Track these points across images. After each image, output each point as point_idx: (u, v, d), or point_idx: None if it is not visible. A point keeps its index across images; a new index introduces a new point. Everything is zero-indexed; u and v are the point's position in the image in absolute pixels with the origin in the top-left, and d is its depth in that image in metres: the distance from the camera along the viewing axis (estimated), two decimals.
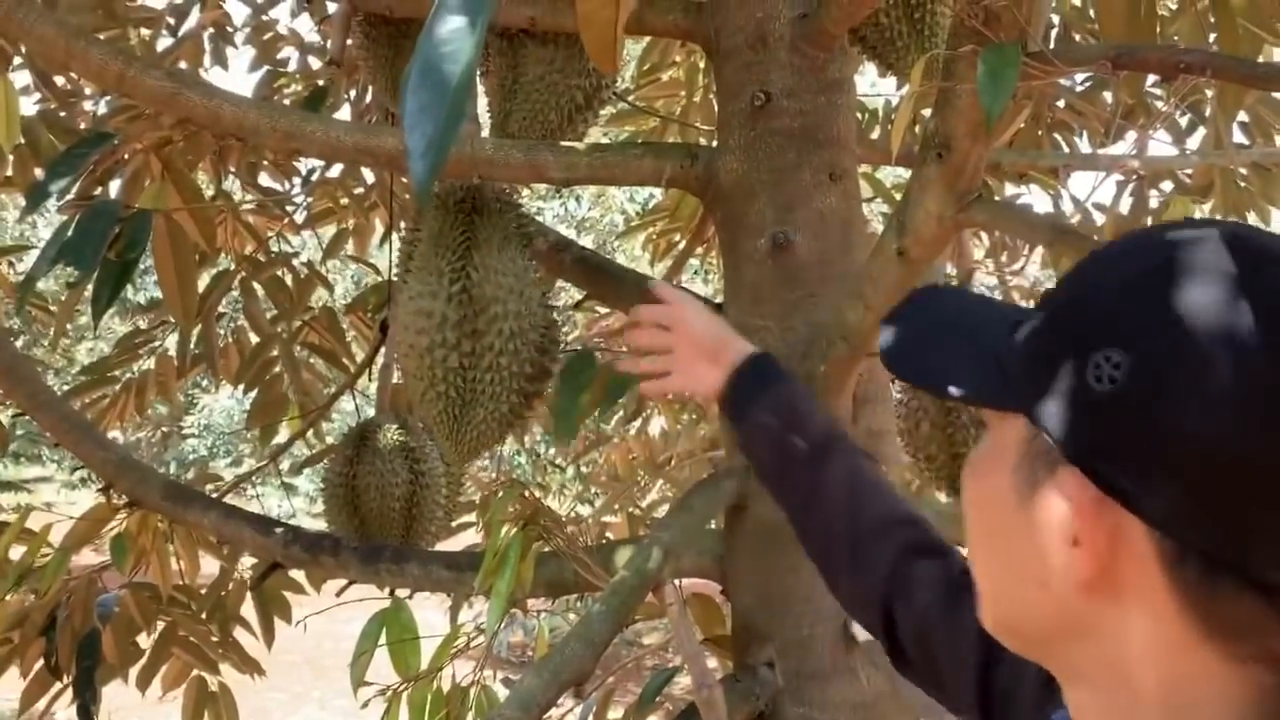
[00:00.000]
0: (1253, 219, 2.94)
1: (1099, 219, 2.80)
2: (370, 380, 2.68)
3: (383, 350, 2.45)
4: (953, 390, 0.72)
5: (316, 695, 7.49)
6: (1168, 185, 2.90)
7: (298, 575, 2.57)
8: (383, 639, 1.59)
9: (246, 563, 2.48)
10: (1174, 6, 2.19)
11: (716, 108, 1.67)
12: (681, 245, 2.88)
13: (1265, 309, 0.61)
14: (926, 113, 1.29)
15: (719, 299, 1.72)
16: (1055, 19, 2.27)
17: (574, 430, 1.63)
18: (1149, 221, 2.86)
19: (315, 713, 7.21)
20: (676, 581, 1.48)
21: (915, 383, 0.76)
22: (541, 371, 1.66)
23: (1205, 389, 0.59)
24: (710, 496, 1.51)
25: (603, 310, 3.09)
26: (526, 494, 1.48)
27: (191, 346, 2.86)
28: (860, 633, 1.44)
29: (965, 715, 0.96)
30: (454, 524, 2.65)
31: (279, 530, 1.77)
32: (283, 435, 3.00)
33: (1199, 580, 0.61)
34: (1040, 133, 2.84)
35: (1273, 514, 0.59)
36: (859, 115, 2.79)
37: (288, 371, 2.82)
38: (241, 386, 2.90)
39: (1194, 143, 2.49)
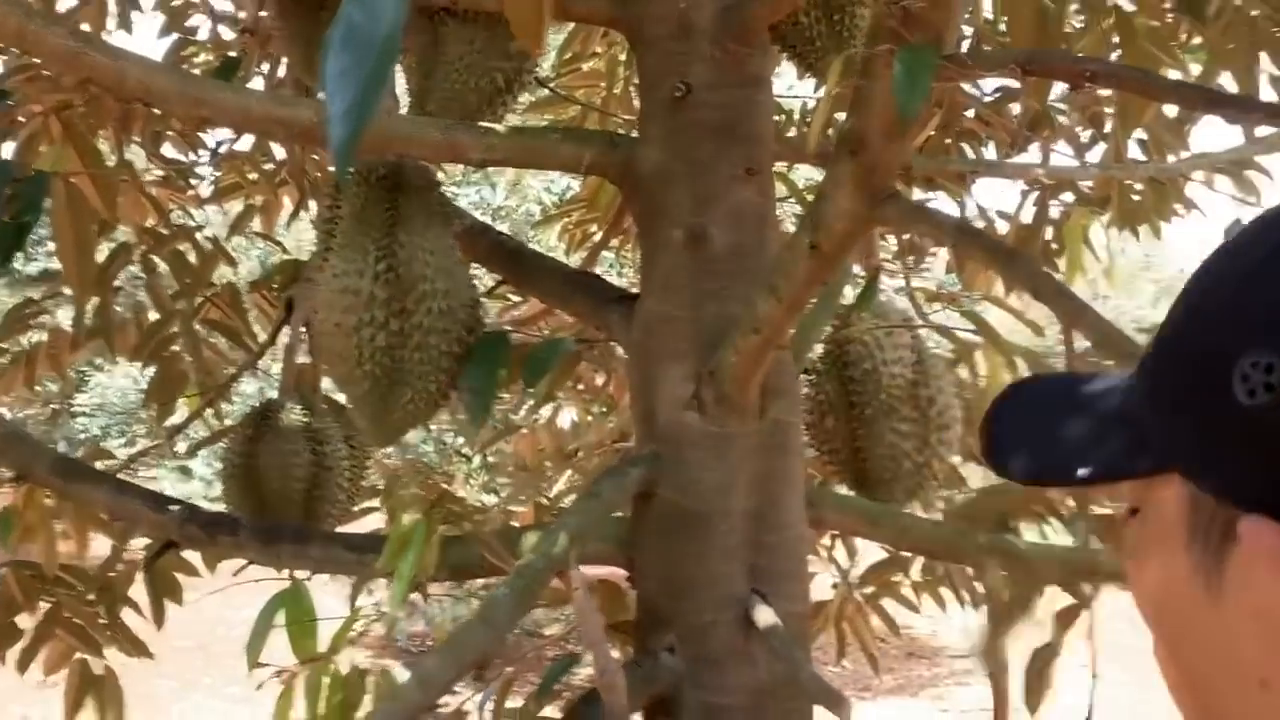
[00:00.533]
0: (1145, 232, 3.07)
1: (1003, 227, 2.89)
2: (274, 360, 2.63)
3: (287, 329, 2.40)
4: (1081, 473, 0.59)
5: (207, 682, 7.30)
6: (1069, 197, 3.00)
7: (192, 556, 2.50)
8: (280, 621, 1.56)
9: (138, 544, 2.40)
10: (1080, 25, 2.27)
11: (637, 98, 1.68)
12: (598, 236, 2.88)
13: None
14: (842, 117, 1.32)
15: (634, 290, 1.73)
16: (968, 30, 2.34)
17: (488, 410, 1.62)
18: (1050, 231, 2.96)
19: (205, 700, 7.02)
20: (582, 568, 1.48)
21: (1032, 479, 0.63)
22: (468, 352, 1.65)
23: None
24: (618, 483, 1.52)
25: (515, 299, 3.08)
26: (431, 480, 1.46)
27: (87, 320, 2.76)
28: (761, 619, 1.47)
29: None
30: (356, 509, 2.61)
31: (175, 508, 1.72)
32: (180, 416, 2.92)
33: None
34: (949, 141, 2.91)
35: None
36: (776, 116, 2.83)
37: (187, 348, 2.74)
38: (139, 365, 2.81)
39: (1095, 156, 2.58)
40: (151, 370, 2.82)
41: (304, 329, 2.42)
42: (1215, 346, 0.51)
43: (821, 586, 3.67)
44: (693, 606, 1.51)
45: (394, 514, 1.40)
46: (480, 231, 1.94)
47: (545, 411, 4.35)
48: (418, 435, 6.88)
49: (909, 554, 3.47)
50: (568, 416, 4.97)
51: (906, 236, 2.88)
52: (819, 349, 1.87)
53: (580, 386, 3.26)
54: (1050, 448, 0.62)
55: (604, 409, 3.79)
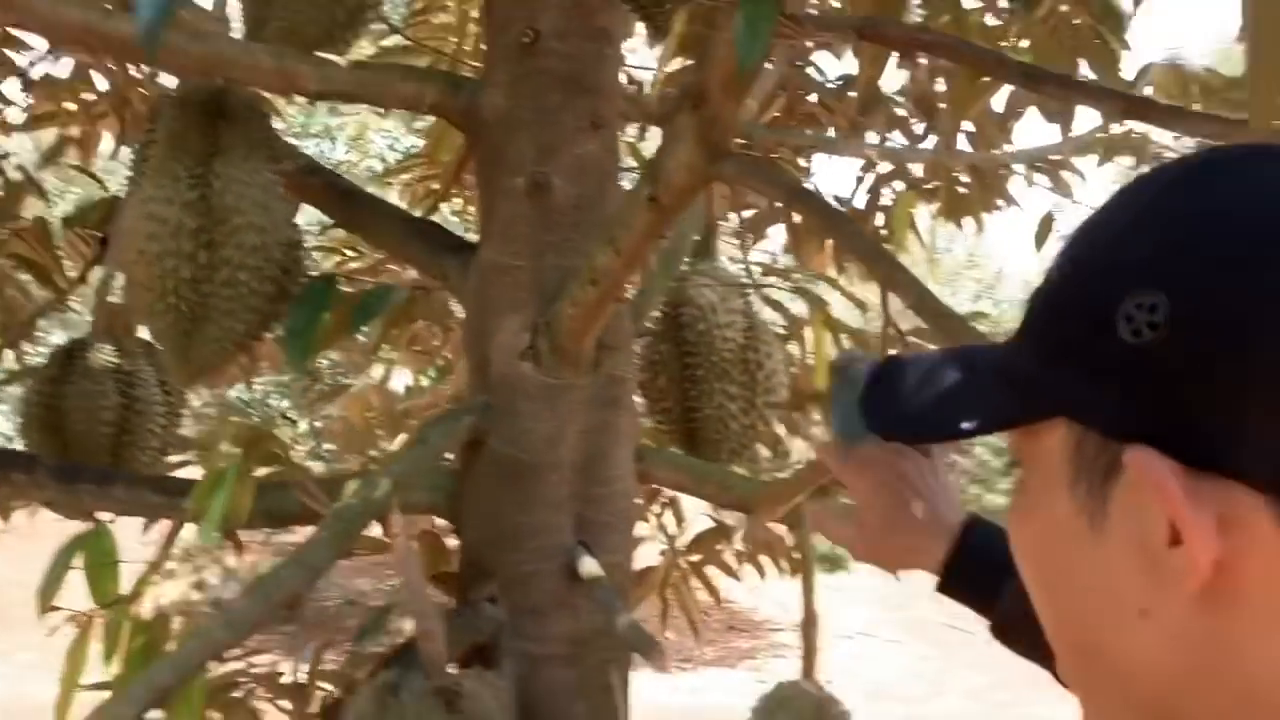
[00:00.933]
0: (969, 232, 3.24)
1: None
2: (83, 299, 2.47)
3: (101, 266, 2.27)
4: (965, 426, 0.60)
5: (2, 648, 6.85)
6: (901, 186, 3.13)
7: None
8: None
9: None
10: (921, 16, 2.38)
11: (484, 44, 1.66)
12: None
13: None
14: None
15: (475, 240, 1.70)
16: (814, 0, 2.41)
17: (306, 355, 1.57)
18: (881, 219, 3.09)
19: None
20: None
21: (919, 436, 0.64)
22: (282, 293, 1.58)
23: (1272, 288, 0.48)
24: (447, 430, 1.50)
25: (350, 253, 2.99)
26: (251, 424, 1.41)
27: None
28: (584, 570, 1.48)
29: None
30: (171, 459, 2.49)
31: None
32: None
33: None
34: (792, 124, 3.00)
35: None
36: (630, 85, 2.84)
37: None
38: None
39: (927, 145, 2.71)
40: None
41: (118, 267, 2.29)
42: (1100, 293, 0.53)
43: (649, 554, 3.73)
44: (517, 557, 1.51)
45: (209, 456, 1.34)
46: (311, 171, 1.87)
47: (377, 374, 4.26)
48: (241, 396, 6.62)
49: (733, 523, 3.57)
50: (401, 381, 4.87)
51: (745, 213, 2.95)
52: (656, 312, 1.89)
53: (418, 348, 3.21)
54: (931, 407, 0.64)
55: (437, 372, 3.74)
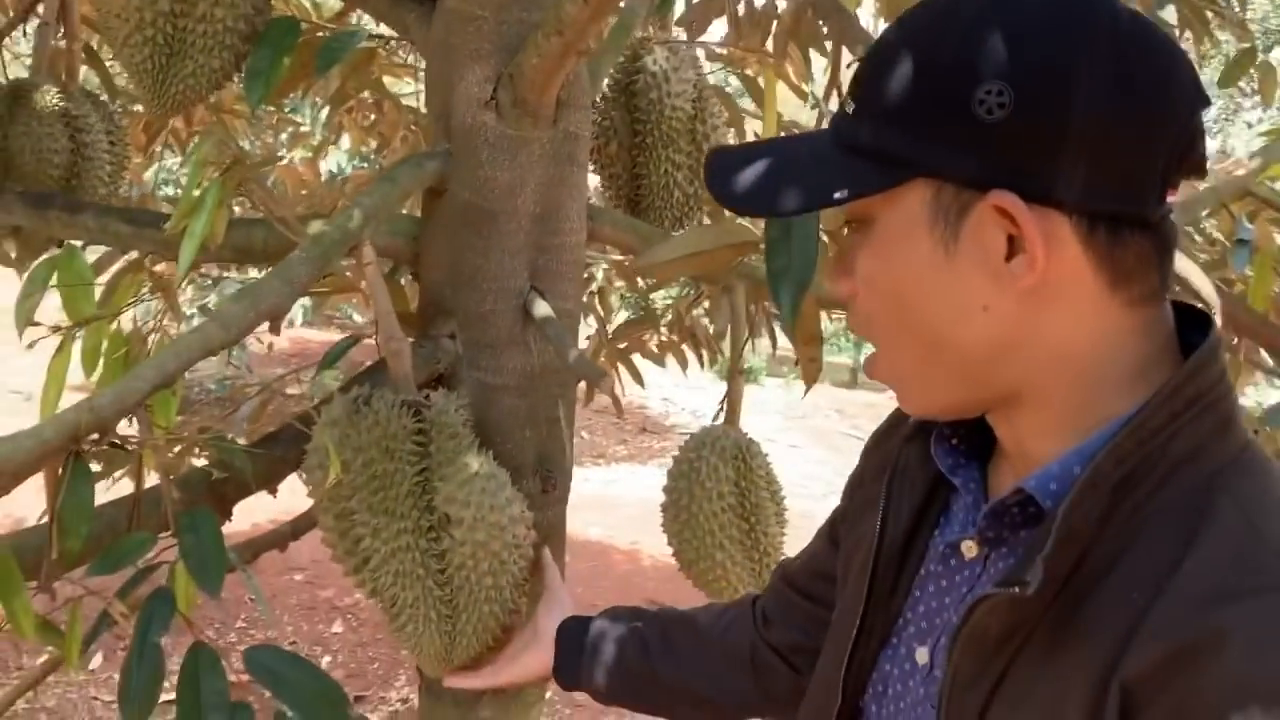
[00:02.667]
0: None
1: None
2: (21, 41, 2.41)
3: (40, 5, 2.21)
4: (838, 195, 0.78)
5: None
6: None
7: None
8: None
9: None
10: None
11: None
12: None
13: None
14: None
15: None
16: None
17: (265, 94, 1.61)
18: None
19: None
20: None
21: (794, 210, 0.81)
22: (253, 32, 1.61)
23: (1080, 79, 0.70)
24: (413, 172, 1.57)
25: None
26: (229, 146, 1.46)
27: None
28: (537, 311, 1.60)
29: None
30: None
31: None
32: None
33: (1108, 240, 0.74)
34: None
35: (1150, 160, 0.73)
36: None
37: None
38: None
39: None
40: None
41: (59, 10, 2.24)
42: (955, 84, 0.73)
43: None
44: (475, 297, 1.62)
45: (191, 173, 1.40)
46: None
47: (307, 151, 4.22)
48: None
49: (660, 312, 3.72)
50: (333, 161, 4.83)
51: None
52: (609, 80, 1.95)
53: (354, 114, 3.20)
54: (797, 184, 0.82)
55: (374, 147, 3.73)
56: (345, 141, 4.02)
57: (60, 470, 1.05)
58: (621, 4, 1.78)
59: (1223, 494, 0.72)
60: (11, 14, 2.43)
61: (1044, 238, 0.73)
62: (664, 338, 3.63)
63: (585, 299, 3.63)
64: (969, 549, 0.88)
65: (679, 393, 10.26)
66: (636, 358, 3.54)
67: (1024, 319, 0.76)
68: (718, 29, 3.41)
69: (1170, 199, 0.76)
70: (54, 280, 1.51)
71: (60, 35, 2.27)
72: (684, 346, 3.63)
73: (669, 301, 4.15)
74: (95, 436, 1.05)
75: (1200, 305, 0.86)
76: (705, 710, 1.30)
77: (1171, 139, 0.74)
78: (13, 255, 2.26)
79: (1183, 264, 1.53)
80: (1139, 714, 0.66)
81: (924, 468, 0.94)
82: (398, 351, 1.45)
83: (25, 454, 1.00)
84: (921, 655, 0.90)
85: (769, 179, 0.83)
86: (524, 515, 1.45)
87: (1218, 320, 0.82)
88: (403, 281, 1.96)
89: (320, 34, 1.81)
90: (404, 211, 1.86)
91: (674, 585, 1.78)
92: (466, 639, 1.42)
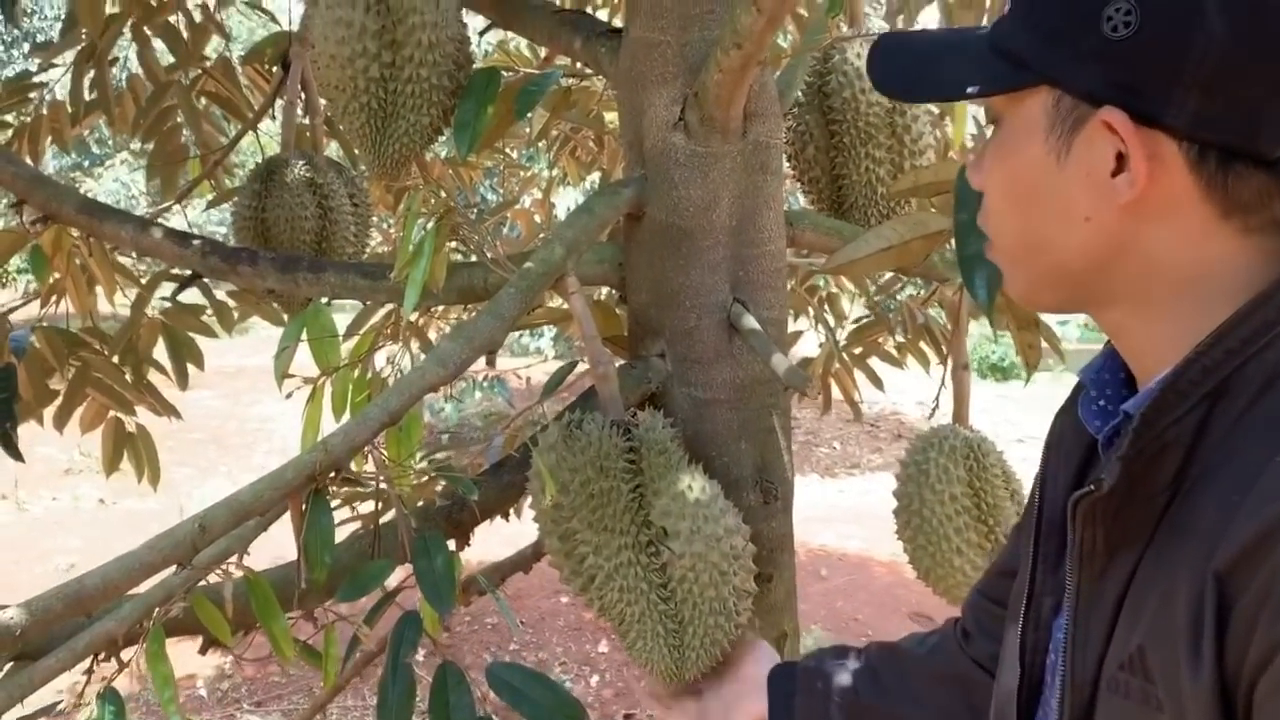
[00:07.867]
0: None
1: None
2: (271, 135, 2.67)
3: (284, 90, 2.46)
4: (970, 90, 0.82)
5: (224, 469, 7.66)
6: None
7: (210, 322, 2.64)
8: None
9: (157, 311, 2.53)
10: None
11: None
12: None
13: None
14: None
15: (617, 21, 1.78)
16: None
17: (474, 145, 1.71)
18: None
19: (223, 485, 7.39)
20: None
21: (928, 98, 0.87)
22: (458, 87, 1.72)
23: (1207, 11, 0.71)
24: (610, 201, 1.62)
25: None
26: (443, 193, 1.57)
27: (85, 93, 2.81)
28: (742, 324, 1.60)
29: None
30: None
31: (196, 242, 1.83)
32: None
33: (1217, 170, 0.75)
34: None
35: (1273, 100, 0.73)
36: None
37: (188, 119, 2.80)
38: (126, 170, 2.87)
39: None
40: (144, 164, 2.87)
41: (301, 90, 2.48)
42: (1088, 1, 0.75)
43: (809, 345, 3.85)
44: (679, 314, 1.64)
45: (405, 223, 1.51)
46: None
47: (538, 193, 4.43)
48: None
49: (892, 315, 3.62)
50: (562, 202, 5.03)
51: None
52: (802, 84, 1.94)
53: (577, 153, 3.33)
54: (938, 76, 0.86)
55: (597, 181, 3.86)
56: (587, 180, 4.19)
57: (304, 506, 1.15)
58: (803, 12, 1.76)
59: None
60: (262, 99, 2.72)
61: (1148, 158, 0.75)
62: (900, 339, 3.53)
63: (814, 307, 3.59)
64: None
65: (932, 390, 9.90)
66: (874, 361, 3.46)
67: (1125, 233, 0.78)
68: (929, 16, 3.31)
69: None
70: (304, 335, 1.66)
71: (304, 112, 2.52)
72: (921, 345, 3.52)
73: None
74: (332, 475, 1.15)
75: None
76: None
77: None
78: (285, 317, 2.51)
79: None
80: (1234, 604, 0.67)
81: (1079, 436, 0.94)
82: (605, 375, 1.50)
83: (272, 493, 1.11)
84: None
85: (919, 67, 0.87)
86: (740, 526, 1.46)
87: None
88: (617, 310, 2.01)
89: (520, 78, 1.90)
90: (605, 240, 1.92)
91: (936, 597, 1.72)
92: (695, 652, 1.44)
